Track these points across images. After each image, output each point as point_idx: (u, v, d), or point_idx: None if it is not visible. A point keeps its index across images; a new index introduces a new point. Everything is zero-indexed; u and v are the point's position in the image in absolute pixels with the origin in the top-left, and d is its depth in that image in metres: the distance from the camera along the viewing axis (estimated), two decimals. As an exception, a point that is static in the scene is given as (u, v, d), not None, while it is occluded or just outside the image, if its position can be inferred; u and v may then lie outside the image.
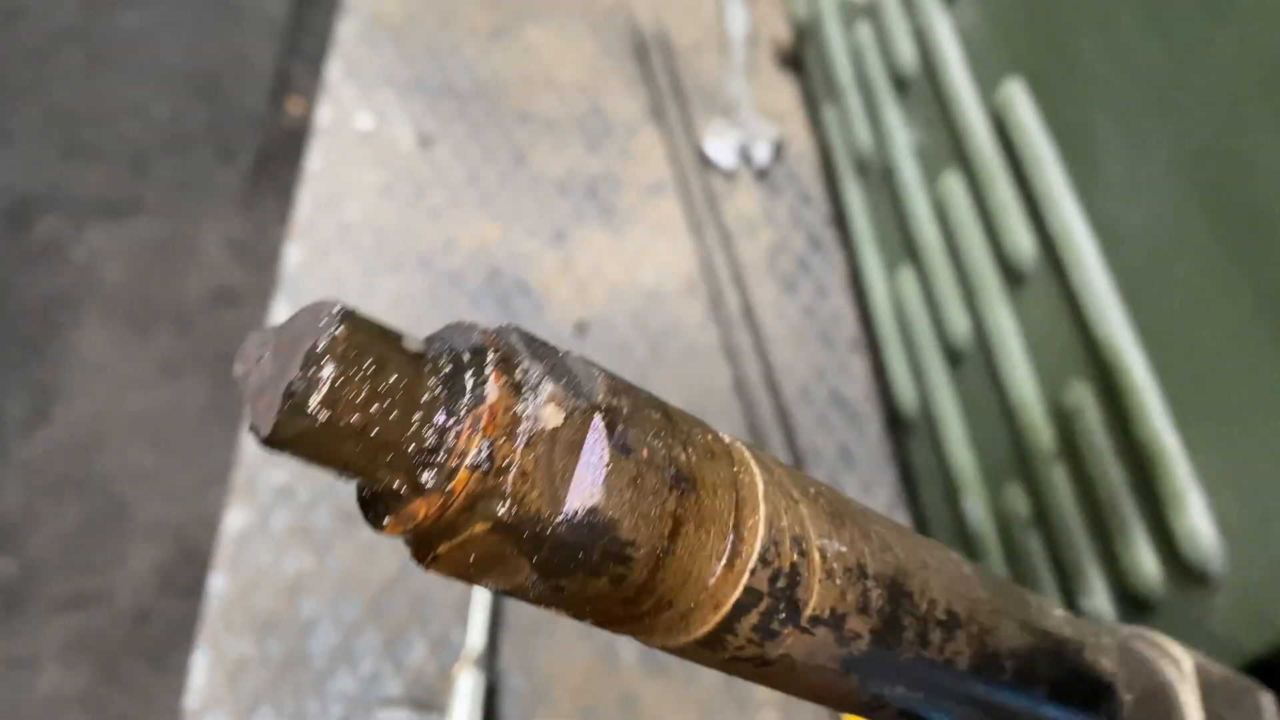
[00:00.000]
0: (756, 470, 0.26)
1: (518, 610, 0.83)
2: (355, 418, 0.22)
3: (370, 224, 1.03)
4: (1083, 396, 0.71)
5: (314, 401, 0.21)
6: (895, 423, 0.98)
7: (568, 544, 0.23)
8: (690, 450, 0.26)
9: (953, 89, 0.86)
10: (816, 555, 0.26)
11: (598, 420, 0.24)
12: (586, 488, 0.23)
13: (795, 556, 0.26)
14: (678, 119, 1.12)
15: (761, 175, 1.14)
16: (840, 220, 1.11)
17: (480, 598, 0.81)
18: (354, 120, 1.09)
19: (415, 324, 0.90)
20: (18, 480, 2.10)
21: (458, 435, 0.23)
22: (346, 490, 0.86)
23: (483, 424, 0.23)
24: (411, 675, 0.79)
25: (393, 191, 1.05)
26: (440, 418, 0.23)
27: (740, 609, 0.25)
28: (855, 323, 1.06)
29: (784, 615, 0.26)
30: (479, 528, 0.23)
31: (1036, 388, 0.76)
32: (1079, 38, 0.75)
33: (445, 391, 0.23)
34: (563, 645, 0.82)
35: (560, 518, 0.23)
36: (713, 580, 0.25)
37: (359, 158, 1.06)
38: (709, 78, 1.19)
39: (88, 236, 2.40)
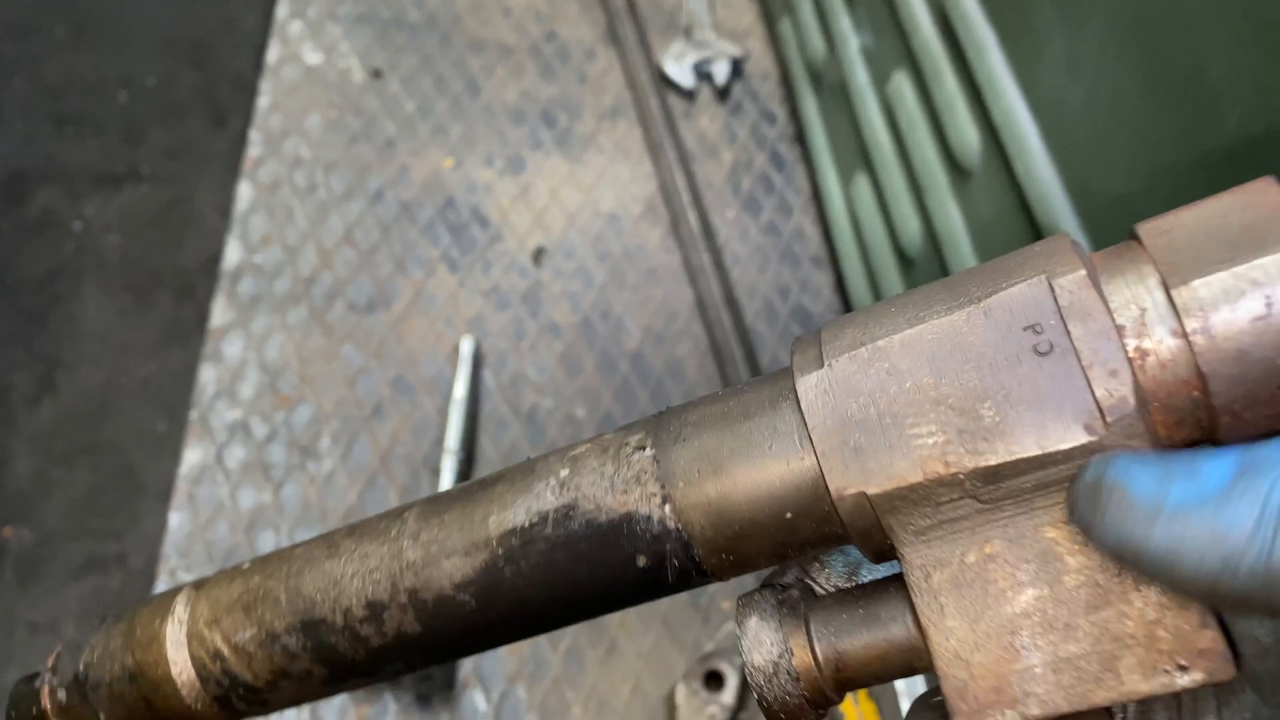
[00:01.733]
0: (168, 631, 0.33)
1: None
2: None
3: (320, 159, 1.02)
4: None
5: None
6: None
7: None
8: (131, 656, 0.34)
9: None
10: (231, 652, 0.32)
11: None
12: None
13: (219, 666, 0.32)
14: (635, 41, 1.09)
15: (722, 95, 1.11)
16: (801, 137, 1.09)
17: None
18: (302, 56, 1.07)
19: (367, 256, 0.89)
20: (28, 450, 2.13)
21: None
22: (300, 425, 0.86)
23: None
24: (369, 602, 0.79)
25: (343, 125, 1.04)
26: None
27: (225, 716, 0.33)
28: (819, 240, 1.04)
29: (247, 697, 0.32)
30: None
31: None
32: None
33: None
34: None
35: None
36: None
37: (308, 94, 1.05)
38: (667, -2, 1.16)
39: (84, 207, 2.41)
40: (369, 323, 0.92)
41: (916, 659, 0.25)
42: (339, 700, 0.76)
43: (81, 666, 0.36)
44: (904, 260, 0.85)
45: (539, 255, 0.98)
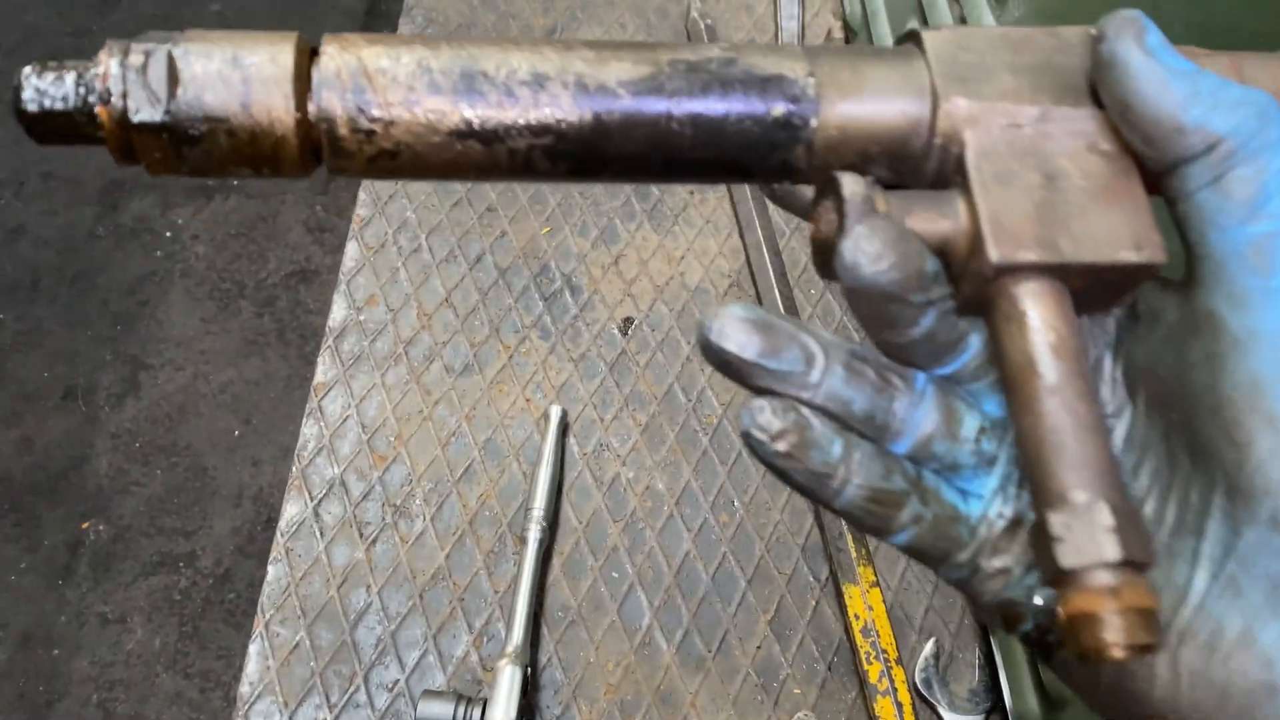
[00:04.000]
0: (292, 40, 0.32)
1: (559, 605, 0.86)
2: None
3: (425, 222, 1.06)
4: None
5: None
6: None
7: None
8: (236, 47, 0.32)
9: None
10: (366, 70, 0.31)
11: None
12: None
13: (350, 80, 0.31)
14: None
15: (813, 171, 1.13)
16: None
17: (524, 593, 0.84)
18: (411, 119, 1.12)
19: (465, 320, 0.93)
20: (110, 448, 2.21)
21: None
22: (394, 484, 0.90)
23: None
24: (455, 666, 0.82)
25: (447, 189, 1.08)
26: None
27: (328, 121, 0.31)
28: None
29: (360, 128, 0.31)
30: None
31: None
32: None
33: None
34: (602, 640, 0.84)
35: None
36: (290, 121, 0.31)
37: (415, 157, 1.09)
38: (763, 72, 1.19)
39: (175, 217, 2.50)
40: (463, 385, 0.96)
41: (959, 236, 0.32)
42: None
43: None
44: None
45: (627, 325, 1.01)
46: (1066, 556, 0.29)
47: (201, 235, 2.47)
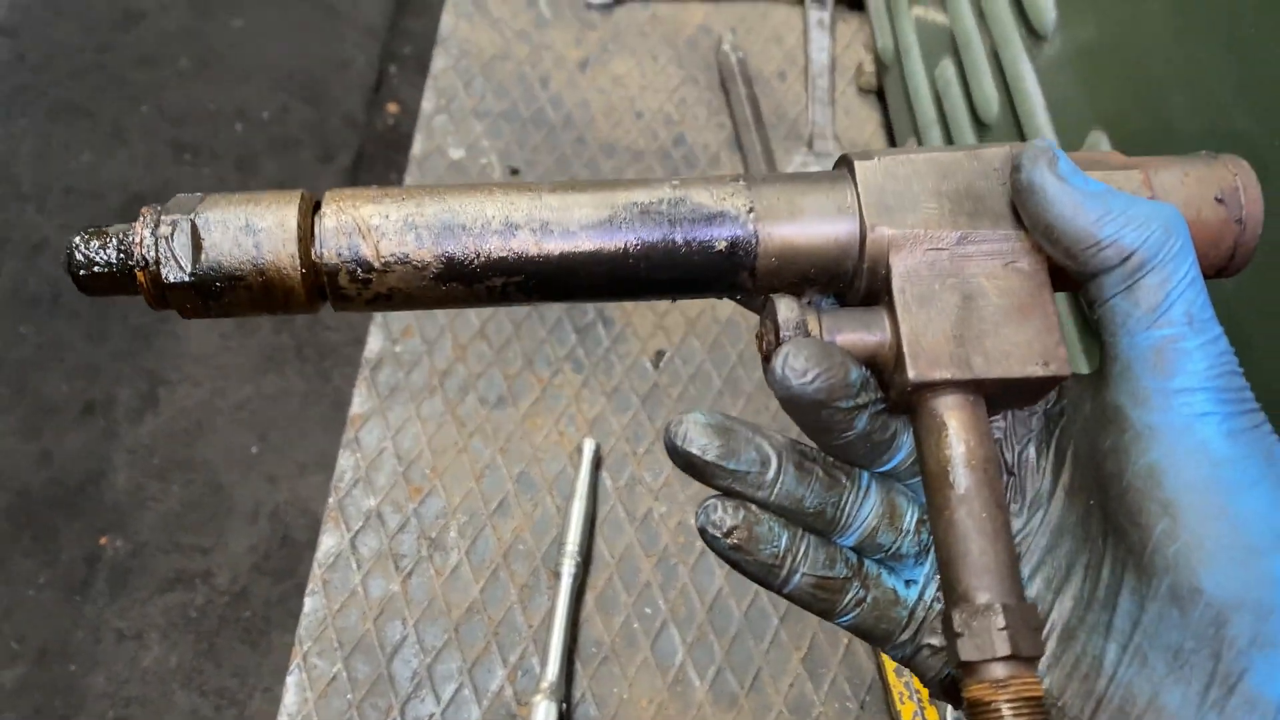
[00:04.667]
0: (298, 202, 0.37)
1: (592, 641, 0.86)
2: None
3: (459, 254, 1.07)
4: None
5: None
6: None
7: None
8: (251, 211, 0.37)
9: (1035, 136, 0.85)
10: (361, 228, 0.36)
11: None
12: None
13: (346, 240, 0.36)
14: (759, 150, 1.13)
15: (843, 206, 1.14)
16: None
17: (558, 629, 0.84)
18: (447, 150, 1.13)
19: (499, 352, 0.94)
20: (128, 463, 2.22)
21: None
22: (430, 517, 0.91)
23: None
24: (490, 701, 0.83)
25: (481, 222, 1.09)
26: None
27: (330, 273, 0.36)
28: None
29: (357, 276, 0.36)
30: None
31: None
32: (1168, 95, 0.74)
33: None
34: (635, 676, 0.85)
35: None
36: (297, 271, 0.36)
37: (450, 189, 1.10)
38: (792, 106, 1.20)
39: (195, 232, 2.51)
40: (497, 418, 0.96)
41: (884, 350, 0.36)
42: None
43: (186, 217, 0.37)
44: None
45: (659, 358, 1.02)
46: (965, 651, 0.34)
47: (221, 252, 2.48)
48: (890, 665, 0.85)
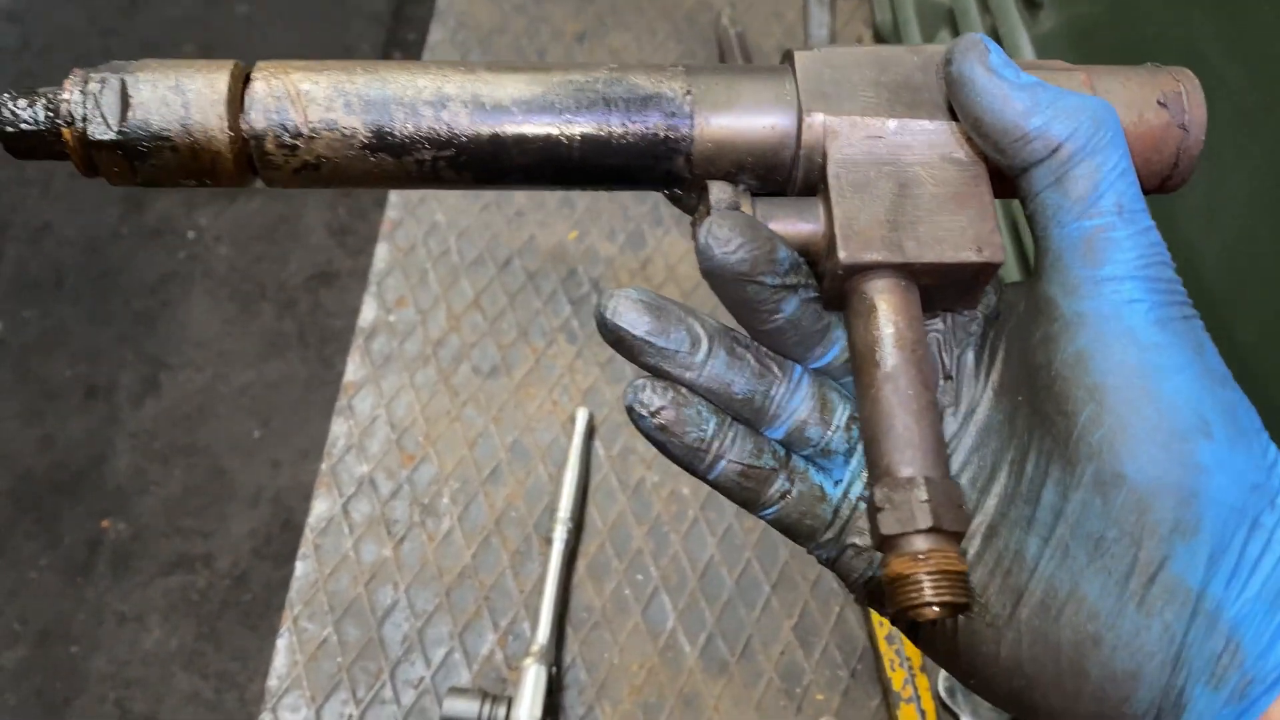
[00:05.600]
0: (229, 69, 0.36)
1: (583, 606, 0.86)
2: None
3: (455, 225, 1.07)
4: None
5: None
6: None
7: None
8: (181, 73, 0.36)
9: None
10: (290, 92, 0.36)
11: None
12: None
13: (274, 103, 0.36)
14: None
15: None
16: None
17: (549, 594, 0.84)
18: (442, 123, 1.12)
19: (493, 322, 0.94)
20: (130, 447, 2.23)
21: None
22: (422, 484, 0.91)
23: None
24: (480, 665, 0.83)
25: (477, 194, 1.09)
26: None
27: (257, 138, 0.36)
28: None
29: (284, 144, 0.36)
30: None
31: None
32: (1162, 59, 0.73)
33: None
34: (625, 642, 0.85)
35: None
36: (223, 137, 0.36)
37: (445, 160, 1.09)
38: (791, 81, 1.20)
39: (198, 219, 2.51)
40: (491, 387, 0.96)
41: (818, 238, 0.36)
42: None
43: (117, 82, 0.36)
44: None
45: (654, 330, 1.02)
46: (886, 524, 0.33)
47: (224, 236, 2.48)
48: (881, 633, 0.84)
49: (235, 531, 2.15)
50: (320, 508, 0.89)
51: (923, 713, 0.81)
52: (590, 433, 0.94)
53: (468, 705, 0.77)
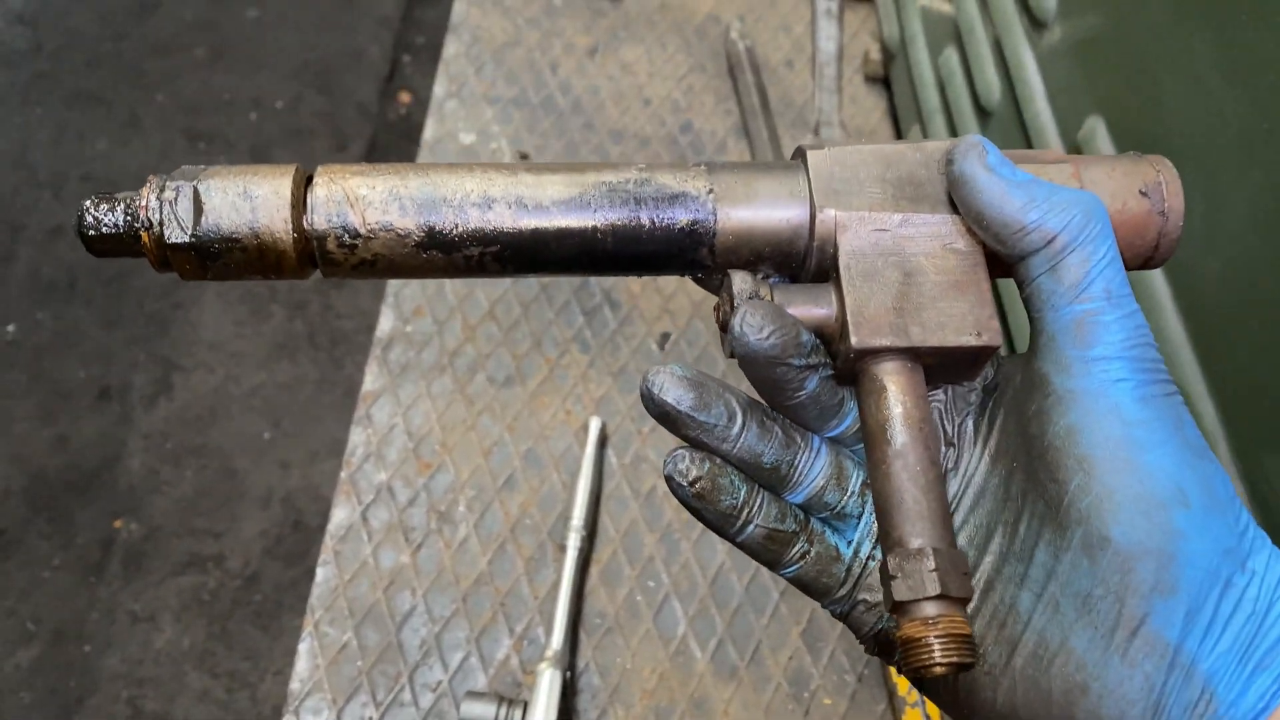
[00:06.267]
0: (293, 174, 0.40)
1: (596, 612, 0.88)
2: None
3: (469, 236, 1.09)
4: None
5: None
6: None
7: None
8: (249, 179, 0.39)
9: (1036, 122, 0.87)
10: (349, 197, 0.39)
11: None
12: None
13: (334, 208, 0.39)
14: (765, 136, 1.15)
15: (848, 192, 1.16)
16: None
17: (563, 600, 0.86)
18: (458, 135, 1.15)
19: (507, 333, 0.96)
20: (142, 448, 2.25)
21: None
22: (439, 491, 0.93)
23: None
24: (496, 669, 0.85)
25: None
26: None
27: (319, 239, 0.39)
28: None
29: (345, 242, 0.39)
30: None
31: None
32: (1162, 81, 0.75)
33: None
34: (638, 647, 0.87)
35: None
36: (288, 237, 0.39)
37: (460, 173, 1.11)
38: (799, 94, 1.21)
39: (209, 220, 2.54)
40: (505, 396, 0.98)
41: (831, 322, 0.39)
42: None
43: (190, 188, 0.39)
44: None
45: (664, 340, 1.04)
46: (898, 591, 0.37)
47: (235, 240, 2.51)
48: (888, 639, 0.86)
49: (246, 532, 2.17)
50: (340, 515, 0.91)
51: (928, 718, 0.83)
52: (603, 441, 0.96)
53: (484, 709, 0.79)
